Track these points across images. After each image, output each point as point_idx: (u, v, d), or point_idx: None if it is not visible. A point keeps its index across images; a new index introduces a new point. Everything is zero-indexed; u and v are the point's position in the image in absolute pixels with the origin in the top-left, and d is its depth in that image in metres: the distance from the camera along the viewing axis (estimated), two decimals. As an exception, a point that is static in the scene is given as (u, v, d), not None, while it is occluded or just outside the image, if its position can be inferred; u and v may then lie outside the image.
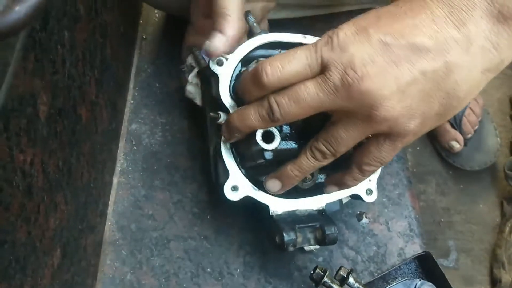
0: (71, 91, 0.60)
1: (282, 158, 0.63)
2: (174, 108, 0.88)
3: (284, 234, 0.62)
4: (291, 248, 0.63)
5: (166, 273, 0.73)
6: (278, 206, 0.66)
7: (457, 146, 1.37)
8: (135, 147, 0.83)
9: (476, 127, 1.42)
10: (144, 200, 0.79)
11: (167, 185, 0.80)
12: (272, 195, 0.66)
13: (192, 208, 0.78)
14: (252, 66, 0.66)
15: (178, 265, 0.74)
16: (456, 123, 1.38)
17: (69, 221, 0.61)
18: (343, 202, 0.77)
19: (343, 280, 0.67)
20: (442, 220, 1.34)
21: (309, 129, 0.64)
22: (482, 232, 1.33)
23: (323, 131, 0.58)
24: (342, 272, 0.67)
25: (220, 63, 0.67)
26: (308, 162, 0.59)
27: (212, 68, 0.67)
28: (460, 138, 1.37)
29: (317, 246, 0.75)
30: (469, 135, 1.40)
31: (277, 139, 0.60)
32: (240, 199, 0.67)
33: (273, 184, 0.64)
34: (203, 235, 0.76)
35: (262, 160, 0.62)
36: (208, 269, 0.74)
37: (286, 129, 0.63)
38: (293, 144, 0.64)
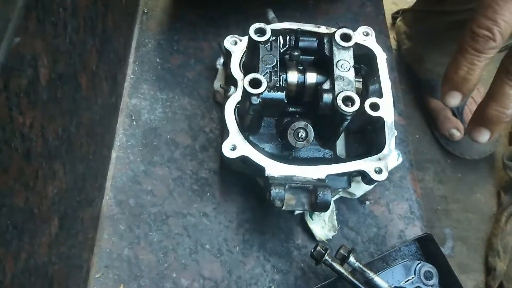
0: (72, 57, 0.59)
1: (269, 106, 0.65)
2: (175, 85, 0.87)
3: (271, 188, 0.62)
4: (278, 203, 0.63)
5: (164, 248, 0.72)
6: (274, 169, 0.66)
7: (457, 134, 1.37)
8: (134, 122, 0.82)
9: (476, 116, 1.41)
10: (143, 175, 0.77)
11: (167, 161, 0.79)
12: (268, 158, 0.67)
13: (192, 185, 0.77)
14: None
15: (176, 241, 0.73)
16: (457, 111, 1.37)
17: (67, 192, 0.59)
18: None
19: (343, 259, 0.66)
20: (439, 208, 1.34)
21: (301, 95, 0.70)
22: (478, 221, 1.33)
23: None
24: (343, 251, 0.66)
25: (234, 43, 0.74)
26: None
27: (227, 47, 0.74)
28: (461, 126, 1.37)
29: (330, 237, 0.75)
30: (469, 124, 1.39)
31: (264, 85, 0.62)
32: (240, 167, 0.69)
33: (480, 133, 0.60)
34: (202, 212, 0.75)
35: (250, 106, 0.63)
36: (207, 246, 0.73)
37: (275, 81, 0.65)
38: (281, 95, 0.65)
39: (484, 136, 0.60)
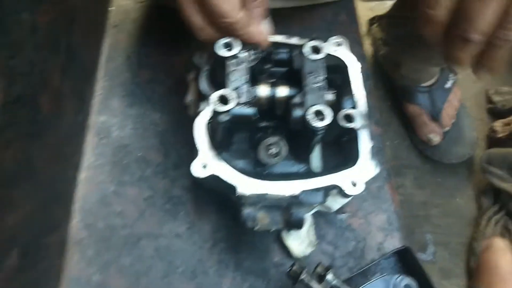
0: (31, 78, 0.56)
1: (239, 122, 0.62)
2: (146, 100, 0.84)
3: (243, 208, 0.60)
4: (250, 224, 0.61)
5: (136, 273, 0.69)
6: (246, 187, 0.64)
7: (435, 139, 1.37)
8: (103, 140, 0.79)
9: (454, 120, 1.42)
10: (112, 196, 0.74)
11: (138, 180, 0.76)
12: (241, 174, 0.64)
13: (164, 205, 0.75)
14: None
15: (148, 264, 0.70)
16: (435, 115, 1.37)
17: (29, 219, 0.57)
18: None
19: (321, 277, 0.64)
20: (419, 213, 1.34)
21: (273, 110, 0.68)
22: (459, 226, 1.33)
23: None
24: (320, 269, 0.64)
25: (203, 58, 0.72)
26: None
27: (195, 62, 0.72)
28: (439, 131, 1.37)
29: (308, 253, 0.73)
30: (447, 128, 1.40)
31: (233, 101, 0.60)
32: (212, 185, 0.66)
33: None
34: (175, 233, 0.73)
35: (219, 123, 0.61)
36: (181, 268, 0.70)
37: (245, 97, 0.63)
38: (251, 110, 0.63)
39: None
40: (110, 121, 0.81)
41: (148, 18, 0.95)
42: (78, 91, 0.75)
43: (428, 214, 1.34)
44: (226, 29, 0.64)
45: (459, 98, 1.43)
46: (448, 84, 1.40)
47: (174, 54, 0.90)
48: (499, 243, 0.55)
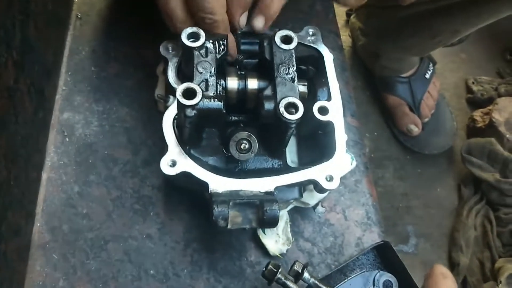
0: (-22, 74, 0.52)
1: (207, 117, 0.60)
2: (112, 95, 0.80)
3: (214, 207, 0.57)
4: (222, 223, 0.58)
5: (104, 277, 0.66)
6: (218, 184, 0.61)
7: (415, 129, 1.36)
8: (67, 139, 0.75)
9: (433, 110, 1.41)
10: (77, 197, 0.70)
11: (104, 180, 0.72)
12: (212, 172, 0.61)
13: (133, 205, 0.71)
14: None
15: (117, 268, 0.67)
16: (414, 106, 1.36)
17: (-18, 226, 0.52)
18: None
19: (297, 276, 0.62)
20: (400, 205, 1.33)
21: (243, 103, 0.66)
22: (440, 217, 1.32)
23: None
24: (297, 267, 0.62)
25: (170, 49, 0.69)
26: None
27: (162, 54, 0.70)
28: (418, 121, 1.36)
29: (285, 251, 0.70)
30: (426, 119, 1.39)
31: (199, 95, 0.56)
32: (183, 182, 0.64)
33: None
34: (145, 234, 0.69)
35: (185, 118, 0.58)
36: (152, 271, 0.67)
37: (212, 90, 0.60)
38: (219, 104, 0.59)
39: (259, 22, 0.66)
40: (74, 118, 0.77)
41: (114, 9, 0.90)
42: (37, 87, 0.70)
43: (409, 205, 1.34)
44: (209, 26, 0.62)
45: (438, 89, 1.42)
46: (428, 75, 1.39)
47: (144, 47, 0.85)
48: (440, 269, 0.57)
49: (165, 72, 0.76)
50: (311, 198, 0.73)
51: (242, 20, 0.66)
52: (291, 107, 0.60)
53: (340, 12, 1.11)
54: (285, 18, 0.96)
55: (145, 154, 0.76)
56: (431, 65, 1.42)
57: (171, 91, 0.69)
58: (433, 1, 1.07)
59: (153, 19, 0.88)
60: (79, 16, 0.88)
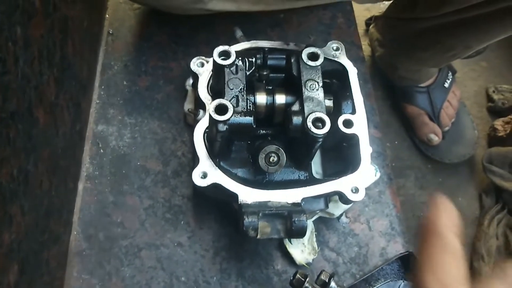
0: (26, 92, 0.55)
1: (237, 131, 0.62)
2: (144, 108, 0.84)
3: (244, 217, 0.60)
4: (252, 233, 0.60)
5: (138, 284, 0.69)
6: (247, 195, 0.63)
7: (435, 139, 1.36)
8: (101, 150, 0.78)
9: (453, 119, 1.41)
10: (112, 206, 0.74)
11: (137, 190, 0.76)
12: (241, 184, 0.64)
13: (165, 214, 0.74)
14: None
15: (150, 275, 0.69)
16: (434, 115, 1.36)
17: (28, 234, 0.56)
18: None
19: (324, 285, 0.64)
20: (421, 214, 1.33)
21: (271, 117, 0.68)
22: (461, 226, 1.32)
23: None
24: (323, 277, 0.64)
25: (201, 65, 0.73)
26: None
27: (193, 69, 0.72)
28: (438, 130, 1.36)
29: (311, 260, 0.72)
30: (447, 128, 1.39)
31: (230, 111, 0.59)
32: (213, 193, 0.66)
33: None
34: (176, 242, 0.72)
35: (217, 132, 0.60)
36: (183, 278, 0.70)
37: (242, 105, 0.63)
38: (249, 120, 0.63)
39: None
40: (108, 130, 0.80)
41: (144, 24, 0.94)
42: (75, 101, 0.74)
43: (430, 214, 1.34)
44: None
45: (458, 98, 1.42)
46: (447, 84, 1.40)
47: (172, 59, 0.89)
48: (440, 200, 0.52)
49: (194, 86, 0.80)
50: (336, 208, 0.75)
51: None
52: (318, 122, 0.62)
53: (359, 21, 1.12)
54: (307, 30, 0.99)
55: (175, 165, 0.79)
56: (450, 74, 1.42)
57: (201, 105, 0.72)
58: (444, 16, 1.08)
59: (180, 33, 0.92)
60: (110, 32, 0.92)
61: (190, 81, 0.81)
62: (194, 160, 0.71)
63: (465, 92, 1.51)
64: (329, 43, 0.76)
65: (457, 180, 1.40)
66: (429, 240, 0.46)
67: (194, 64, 0.73)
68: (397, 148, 1.41)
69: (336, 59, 0.75)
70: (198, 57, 0.74)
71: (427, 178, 1.39)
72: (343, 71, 0.74)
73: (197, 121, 0.70)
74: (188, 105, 0.80)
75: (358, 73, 0.75)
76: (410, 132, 1.44)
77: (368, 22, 1.61)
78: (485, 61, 1.58)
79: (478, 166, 1.40)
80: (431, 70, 1.38)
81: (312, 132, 0.61)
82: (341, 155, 0.75)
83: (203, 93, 0.71)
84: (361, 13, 1.61)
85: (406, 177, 1.38)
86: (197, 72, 0.73)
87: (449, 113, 1.40)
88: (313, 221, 0.75)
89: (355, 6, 1.05)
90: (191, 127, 0.82)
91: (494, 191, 1.36)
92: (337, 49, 0.76)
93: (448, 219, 0.49)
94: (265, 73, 0.70)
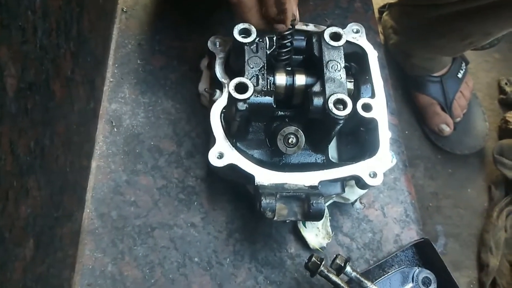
0: (43, 64, 0.54)
1: (256, 111, 0.62)
2: (158, 87, 0.82)
3: (262, 198, 0.59)
4: (269, 214, 0.60)
5: (151, 263, 0.68)
6: (264, 177, 0.63)
7: (447, 129, 1.35)
8: (115, 129, 0.77)
9: (465, 110, 1.39)
10: (125, 185, 0.73)
11: (151, 169, 0.75)
12: (258, 166, 0.63)
13: (178, 194, 0.73)
14: None
15: (163, 254, 0.69)
16: (446, 106, 1.35)
17: (43, 209, 0.55)
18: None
19: (340, 269, 0.63)
20: (430, 204, 1.32)
21: (290, 98, 0.67)
22: (470, 217, 1.31)
23: None
24: (339, 261, 0.63)
25: (218, 44, 0.72)
26: None
27: (210, 49, 0.72)
28: (450, 121, 1.35)
29: (324, 245, 0.72)
30: (458, 119, 1.38)
31: (250, 90, 0.58)
32: (228, 174, 0.66)
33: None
34: (189, 223, 0.71)
35: (236, 112, 0.59)
36: (196, 259, 0.69)
37: (263, 85, 0.62)
38: (269, 99, 0.62)
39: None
40: (121, 109, 0.79)
41: (158, 3, 0.92)
42: (89, 78, 0.73)
43: (439, 205, 1.33)
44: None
45: (471, 89, 1.41)
46: (460, 74, 1.38)
47: (187, 39, 0.88)
48: None
49: (210, 66, 0.78)
50: (352, 193, 0.74)
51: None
52: (339, 104, 0.61)
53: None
54: (324, 14, 0.97)
55: (189, 146, 0.78)
56: (463, 64, 1.40)
57: (218, 85, 0.71)
58: (464, 2, 1.06)
59: (195, 13, 0.91)
60: (124, 10, 0.91)
61: (205, 61, 0.80)
62: (210, 141, 0.70)
63: (477, 84, 1.49)
64: (349, 25, 0.74)
65: (467, 172, 1.39)
66: None
67: (211, 43, 0.72)
68: (408, 138, 1.40)
69: (355, 41, 0.73)
70: (215, 36, 0.72)
71: (437, 169, 1.38)
72: (363, 54, 0.73)
73: (213, 102, 0.69)
74: (203, 86, 0.79)
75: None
76: (421, 122, 1.43)
77: (381, 10, 1.58)
78: (499, 53, 1.56)
79: (488, 158, 1.39)
80: (444, 59, 1.36)
81: (334, 113, 0.60)
82: (358, 139, 0.74)
83: (220, 73, 0.70)
84: (375, 0, 1.59)
85: (415, 167, 1.37)
86: (214, 51, 0.71)
87: (462, 104, 1.38)
88: (327, 206, 0.75)
89: (370, -9, 1.03)
90: (205, 108, 0.81)
91: (504, 183, 1.35)
92: (357, 31, 0.74)
93: None
94: (284, 53, 0.69)
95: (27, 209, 0.50)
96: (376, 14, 1.58)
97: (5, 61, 0.44)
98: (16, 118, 0.47)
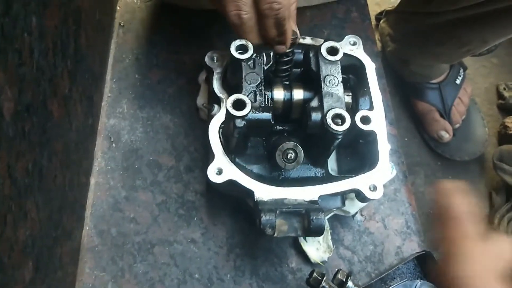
0: (40, 85, 0.54)
1: (254, 127, 0.61)
2: (156, 102, 0.82)
3: (261, 215, 0.59)
4: (269, 231, 0.59)
5: (151, 280, 0.68)
6: (263, 192, 0.62)
7: (446, 136, 1.35)
8: (113, 144, 0.77)
9: (464, 116, 1.39)
10: (124, 201, 0.73)
11: (150, 185, 0.74)
12: (257, 181, 0.63)
13: (178, 210, 0.73)
14: None
15: (163, 271, 0.69)
16: (445, 112, 1.35)
17: (42, 230, 0.55)
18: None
19: (341, 285, 0.63)
20: (431, 212, 1.32)
21: (288, 113, 0.67)
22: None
23: None
24: (341, 276, 0.63)
25: (215, 59, 0.71)
26: None
27: (207, 64, 0.71)
28: (449, 128, 1.35)
29: (326, 259, 0.71)
30: (457, 125, 1.38)
31: (248, 106, 0.58)
32: (227, 190, 0.65)
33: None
34: (190, 239, 0.71)
35: (234, 128, 0.59)
36: (196, 275, 0.69)
37: (260, 101, 0.62)
38: (267, 115, 0.61)
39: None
40: (120, 124, 0.79)
41: (156, 17, 0.93)
42: (87, 94, 0.72)
43: (439, 212, 1.32)
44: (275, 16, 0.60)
45: (469, 95, 1.41)
46: (458, 80, 1.38)
47: (184, 52, 0.88)
48: (448, 185, 0.55)
49: (208, 80, 0.78)
50: (352, 206, 0.73)
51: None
52: (337, 118, 0.61)
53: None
54: (321, 24, 0.97)
55: (188, 160, 0.78)
56: (461, 70, 1.40)
57: (215, 100, 0.71)
58: (462, 10, 1.07)
59: (193, 26, 0.91)
60: (122, 24, 0.91)
61: (203, 75, 0.80)
62: (208, 156, 0.70)
63: (476, 89, 1.49)
64: (346, 37, 0.74)
65: (467, 178, 1.38)
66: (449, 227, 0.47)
67: (209, 58, 0.72)
68: (407, 145, 1.39)
69: (353, 53, 0.73)
70: (212, 51, 0.72)
71: (437, 176, 1.38)
72: (360, 66, 0.73)
73: (211, 116, 0.69)
74: (201, 100, 0.79)
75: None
76: (420, 128, 1.43)
77: (378, 17, 1.59)
78: (496, 58, 1.56)
79: (488, 164, 1.39)
80: (443, 66, 1.36)
81: (332, 128, 0.60)
82: (357, 151, 0.73)
83: (218, 88, 0.69)
84: (372, 7, 1.58)
85: (415, 174, 1.36)
86: (211, 66, 0.71)
87: (460, 110, 1.38)
88: (328, 219, 0.74)
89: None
90: (203, 122, 0.80)
91: (505, 189, 1.35)
92: (354, 43, 0.74)
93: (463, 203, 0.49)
94: (282, 68, 0.69)
95: (26, 232, 0.50)
96: (373, 21, 1.59)
97: (1, 85, 0.44)
98: (13, 142, 0.47)
